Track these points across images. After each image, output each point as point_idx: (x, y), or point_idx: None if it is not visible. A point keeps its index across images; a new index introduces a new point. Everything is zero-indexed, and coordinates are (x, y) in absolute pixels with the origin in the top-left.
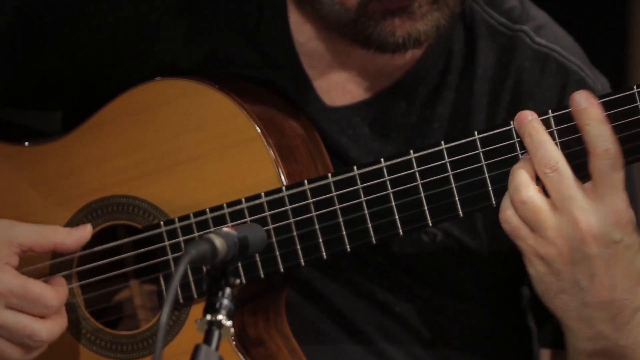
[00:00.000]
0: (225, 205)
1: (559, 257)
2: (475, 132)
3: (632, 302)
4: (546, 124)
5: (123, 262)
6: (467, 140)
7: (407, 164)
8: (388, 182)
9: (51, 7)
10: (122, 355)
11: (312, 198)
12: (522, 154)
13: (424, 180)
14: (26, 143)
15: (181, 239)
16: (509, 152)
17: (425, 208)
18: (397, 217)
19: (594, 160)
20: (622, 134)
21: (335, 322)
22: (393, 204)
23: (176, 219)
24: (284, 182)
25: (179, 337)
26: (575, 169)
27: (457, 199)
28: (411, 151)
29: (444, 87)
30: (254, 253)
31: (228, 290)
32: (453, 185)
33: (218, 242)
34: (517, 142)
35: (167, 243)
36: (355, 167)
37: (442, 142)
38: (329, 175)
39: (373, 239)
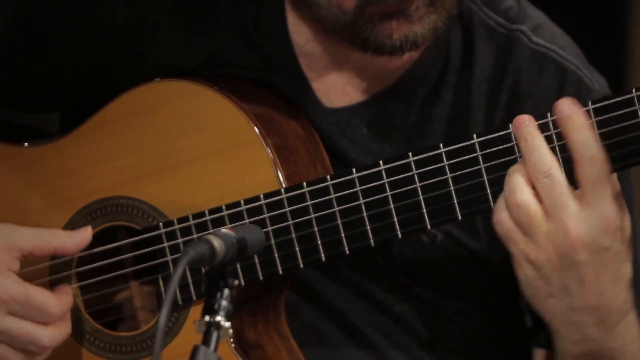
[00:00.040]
0: (224, 207)
1: (548, 262)
2: (474, 135)
3: (620, 306)
4: (545, 127)
5: (122, 264)
6: (466, 143)
7: (406, 167)
8: (387, 185)
9: (50, 9)
10: (121, 357)
11: (311, 200)
12: (520, 157)
13: (423, 183)
14: (26, 144)
15: (180, 240)
16: (507, 155)
17: (424, 211)
18: (395, 219)
19: (580, 168)
20: (620, 137)
21: (335, 323)
22: (392, 206)
23: (175, 221)
24: (283, 184)
25: (177, 338)
26: (573, 173)
27: (455, 201)
28: (410, 154)
29: (442, 87)
30: (253, 254)
31: (226, 291)
32: (452, 188)
33: (216, 243)
34: (515, 146)
35: (166, 244)
36: (354, 170)
37: (441, 145)
38: (328, 177)
39: (372, 241)
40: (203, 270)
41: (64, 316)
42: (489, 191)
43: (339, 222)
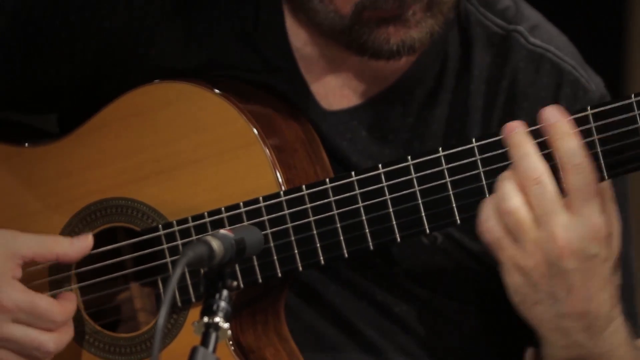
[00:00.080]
0: (223, 209)
1: (537, 269)
2: (473, 140)
3: (607, 312)
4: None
5: (122, 265)
6: (465, 147)
7: (405, 170)
8: (386, 188)
9: (49, 11)
10: (120, 358)
11: (310, 203)
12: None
13: (422, 187)
14: (26, 144)
15: (179, 242)
16: (506, 159)
17: (423, 214)
18: (394, 223)
19: (566, 176)
20: (620, 143)
21: (335, 324)
22: (391, 210)
23: (174, 222)
24: (282, 187)
25: (177, 340)
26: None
27: (454, 205)
28: (409, 157)
29: (440, 89)
30: (251, 255)
31: (225, 292)
32: (450, 192)
33: (215, 244)
34: None
35: (165, 246)
36: (353, 173)
37: (440, 149)
38: (327, 180)
39: (370, 244)
40: (202, 271)
41: (67, 321)
42: (488, 195)
43: (338, 225)
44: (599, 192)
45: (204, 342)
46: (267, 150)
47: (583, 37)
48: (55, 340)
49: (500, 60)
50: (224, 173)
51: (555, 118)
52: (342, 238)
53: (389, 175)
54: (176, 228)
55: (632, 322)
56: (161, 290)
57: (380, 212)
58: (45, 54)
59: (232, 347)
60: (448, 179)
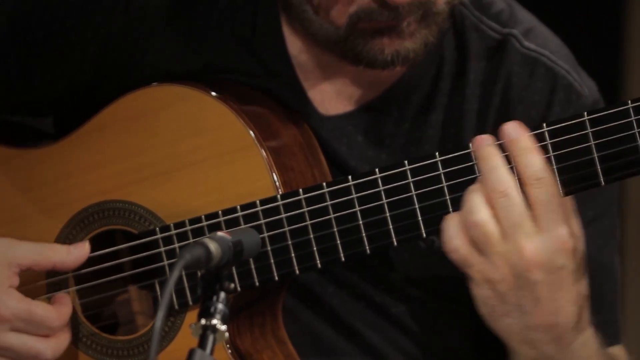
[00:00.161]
0: (220, 212)
1: (504, 281)
2: (470, 145)
3: (576, 324)
4: (540, 137)
5: (119, 268)
6: (462, 152)
7: (402, 175)
8: (382, 193)
9: (45, 18)
10: None
11: (307, 207)
12: (511, 168)
13: (419, 191)
14: (24, 146)
15: (177, 245)
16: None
17: (420, 219)
18: (391, 227)
19: (529, 190)
20: (616, 149)
21: (333, 325)
22: (387, 214)
23: (172, 226)
24: (280, 190)
25: (174, 343)
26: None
27: (451, 210)
28: (406, 162)
29: (436, 93)
30: (249, 257)
31: (223, 294)
32: (447, 197)
33: (212, 246)
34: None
35: (162, 249)
36: (350, 177)
37: (437, 154)
38: (324, 184)
39: (367, 248)
40: (199, 274)
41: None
42: None
43: (335, 229)
44: (563, 205)
45: (202, 344)
46: (264, 153)
47: (581, 39)
48: (53, 347)
49: (495, 64)
50: (221, 176)
51: (515, 134)
52: (338, 242)
53: (386, 180)
54: (173, 231)
55: (612, 331)
56: (158, 292)
57: (377, 217)
58: (42, 59)
59: (230, 350)
60: (445, 184)
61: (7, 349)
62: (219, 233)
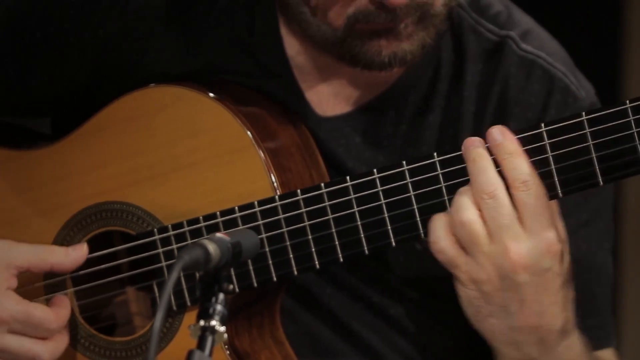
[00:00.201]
0: (218, 213)
1: (489, 282)
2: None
3: (561, 326)
4: (539, 137)
5: (117, 269)
6: (460, 153)
7: (400, 176)
8: (381, 193)
9: (42, 21)
10: None
11: (305, 208)
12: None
13: (417, 192)
14: (21, 148)
15: (175, 246)
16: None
17: (418, 219)
18: (389, 227)
19: (514, 193)
20: (614, 149)
21: (331, 326)
22: (386, 215)
23: (169, 227)
24: (278, 191)
25: (172, 344)
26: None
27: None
28: (404, 162)
29: (433, 95)
30: (248, 258)
31: (221, 295)
32: (445, 198)
33: (211, 247)
34: None
35: (160, 250)
36: (348, 178)
37: (435, 154)
38: (322, 185)
39: (365, 249)
40: (197, 275)
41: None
42: None
43: (333, 229)
44: (550, 209)
45: (200, 345)
46: (262, 154)
47: (580, 40)
48: (51, 350)
49: (492, 66)
50: (219, 177)
51: (502, 138)
52: (337, 243)
53: (384, 180)
54: (171, 232)
55: (603, 334)
56: (156, 294)
57: (375, 217)
58: (40, 61)
59: (228, 351)
60: (443, 184)
61: (5, 351)
62: (218, 234)
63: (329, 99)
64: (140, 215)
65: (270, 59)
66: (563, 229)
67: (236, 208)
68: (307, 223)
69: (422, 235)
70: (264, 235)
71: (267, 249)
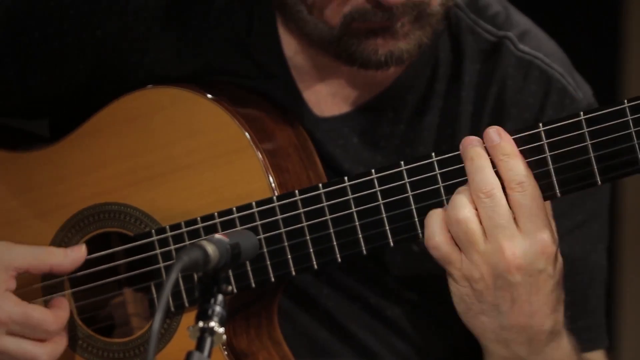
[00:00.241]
0: (216, 214)
1: (482, 280)
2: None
3: (551, 327)
4: (536, 137)
5: (115, 270)
6: (458, 152)
7: (398, 176)
8: (379, 193)
9: (41, 21)
10: None
11: (303, 208)
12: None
13: (415, 192)
14: (19, 149)
15: (172, 247)
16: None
17: (416, 219)
18: (387, 227)
19: (510, 194)
20: (612, 148)
21: (328, 327)
22: (384, 215)
23: (167, 228)
24: (275, 191)
25: (170, 345)
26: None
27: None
28: (402, 162)
29: (431, 95)
30: (246, 260)
31: (220, 297)
32: (444, 198)
33: (210, 248)
34: None
35: (158, 251)
36: (346, 178)
37: (433, 154)
38: (320, 185)
39: (364, 249)
40: (195, 276)
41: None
42: None
43: (331, 230)
44: (545, 210)
45: (199, 346)
46: (260, 155)
47: (580, 40)
48: (49, 352)
49: (490, 67)
50: (217, 178)
51: (499, 138)
52: (335, 243)
53: (383, 180)
54: (169, 233)
55: (594, 335)
56: (154, 295)
57: (373, 217)
58: (39, 62)
59: (226, 352)
60: (441, 184)
61: (3, 353)
62: (217, 235)
63: (327, 99)
64: (138, 217)
65: (268, 59)
66: (554, 232)
67: (234, 209)
68: (305, 224)
69: (420, 235)
70: (261, 236)
71: (265, 250)
